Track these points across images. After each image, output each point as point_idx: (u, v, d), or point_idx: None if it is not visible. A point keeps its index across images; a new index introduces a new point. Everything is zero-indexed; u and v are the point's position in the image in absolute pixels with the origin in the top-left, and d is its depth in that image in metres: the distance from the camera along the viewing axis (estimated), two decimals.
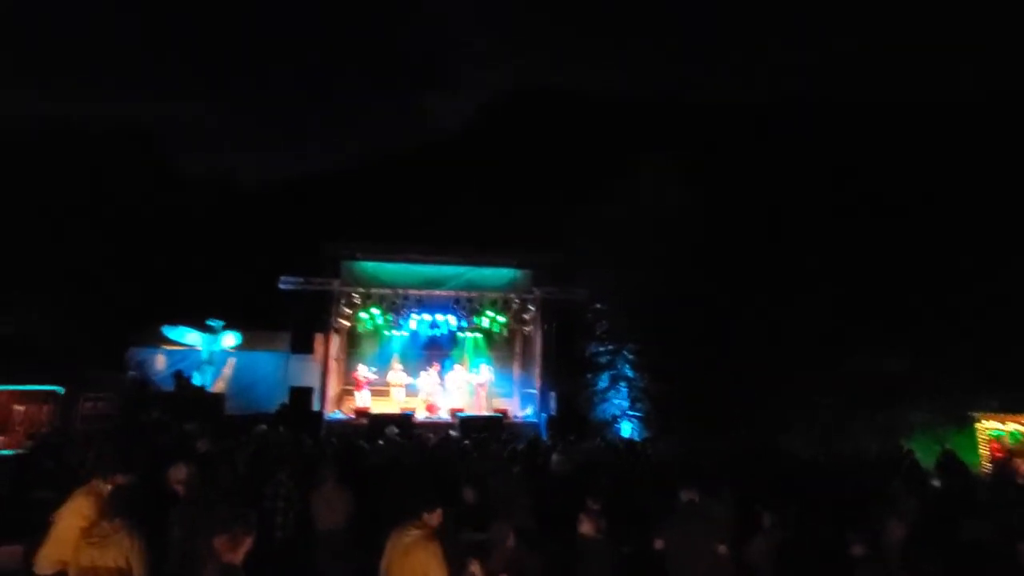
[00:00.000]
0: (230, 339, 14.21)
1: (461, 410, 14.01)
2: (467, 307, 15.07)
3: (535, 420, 14.50)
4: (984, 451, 11.58)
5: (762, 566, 4.59)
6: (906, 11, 32.20)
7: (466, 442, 9.58)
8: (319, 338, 14.43)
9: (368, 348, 15.45)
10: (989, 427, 11.70)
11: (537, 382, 15.13)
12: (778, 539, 4.62)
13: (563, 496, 5.78)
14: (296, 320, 14.34)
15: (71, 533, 3.65)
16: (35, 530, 3.99)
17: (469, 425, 12.32)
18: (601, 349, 16.95)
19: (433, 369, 14.98)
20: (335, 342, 14.84)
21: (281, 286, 14.24)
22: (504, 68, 52.99)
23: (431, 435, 10.11)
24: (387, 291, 14.88)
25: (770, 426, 14.10)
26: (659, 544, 4.64)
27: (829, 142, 18.54)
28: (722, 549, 4.48)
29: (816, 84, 26.49)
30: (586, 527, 4.41)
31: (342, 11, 53.56)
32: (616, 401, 16.49)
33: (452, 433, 11.50)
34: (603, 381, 16.71)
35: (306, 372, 14.10)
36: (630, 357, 16.70)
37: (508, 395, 15.85)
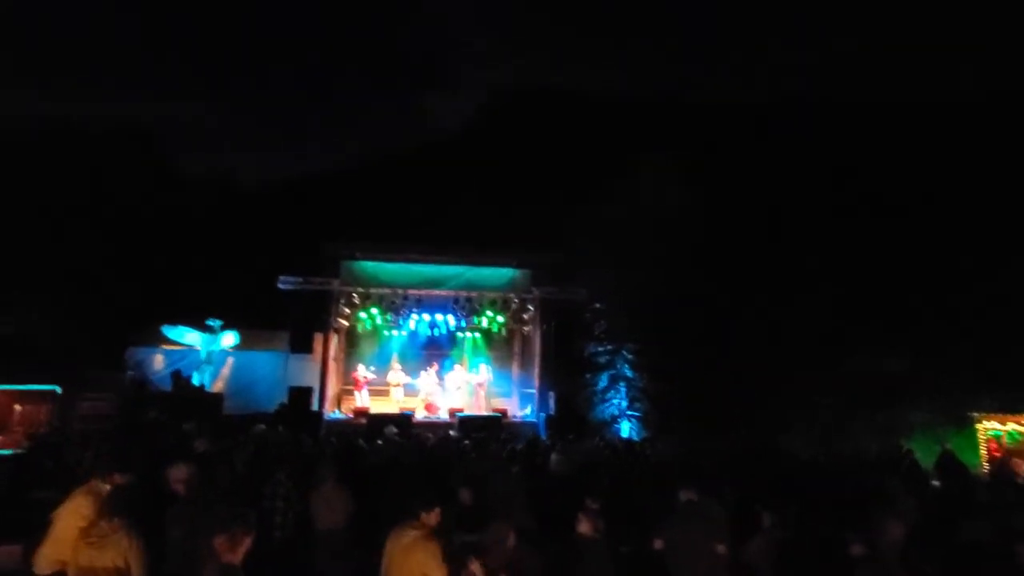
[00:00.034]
0: (229, 339, 14.21)
1: (460, 410, 14.00)
2: (466, 307, 15.06)
3: (534, 420, 14.51)
4: (984, 451, 11.60)
5: (762, 566, 4.57)
6: (906, 11, 32.20)
7: (465, 442, 9.57)
8: (318, 338, 14.43)
9: (367, 348, 15.46)
10: (989, 427, 11.72)
11: (536, 382, 15.13)
12: (778, 539, 4.60)
13: (562, 496, 5.77)
14: (295, 320, 14.34)
15: (70, 533, 3.65)
16: (34, 530, 3.98)
17: (468, 425, 12.32)
18: (600, 349, 16.93)
19: (432, 369, 15.01)
20: (334, 342, 14.84)
21: (280, 286, 14.24)
22: (504, 68, 52.93)
23: (430, 435, 10.14)
24: (386, 291, 14.88)
25: (770, 426, 14.10)
26: (658, 544, 4.63)
27: (829, 142, 18.57)
28: (721, 549, 4.48)
29: (816, 84, 26.57)
30: (585, 527, 4.39)
31: (342, 11, 53.47)
32: (615, 401, 16.47)
33: (451, 433, 11.52)
34: (602, 381, 16.70)
35: (305, 372, 14.10)
36: (629, 357, 16.69)
37: (507, 395, 15.86)
